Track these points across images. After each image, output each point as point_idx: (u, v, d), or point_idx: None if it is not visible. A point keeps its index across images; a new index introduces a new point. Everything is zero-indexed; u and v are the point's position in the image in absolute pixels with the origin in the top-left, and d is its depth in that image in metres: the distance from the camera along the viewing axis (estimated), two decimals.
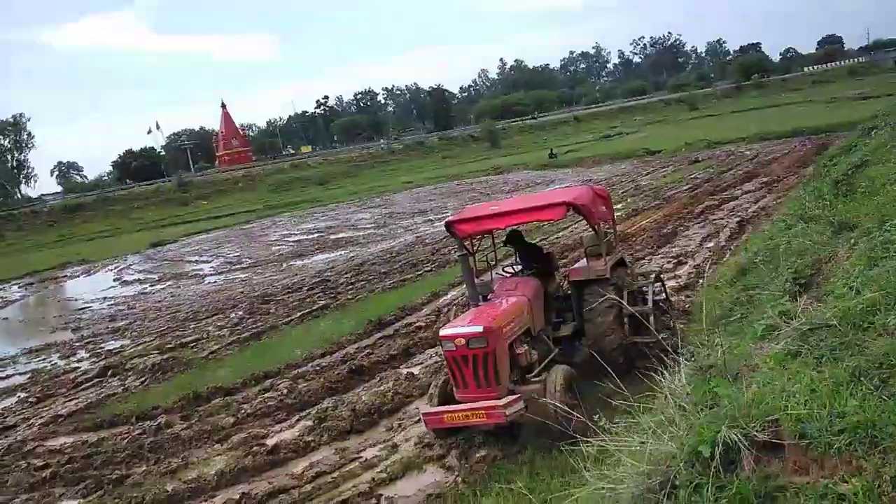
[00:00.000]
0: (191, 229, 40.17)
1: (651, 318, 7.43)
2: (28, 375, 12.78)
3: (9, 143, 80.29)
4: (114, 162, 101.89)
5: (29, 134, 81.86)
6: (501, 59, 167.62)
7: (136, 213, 55.27)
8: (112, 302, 19.90)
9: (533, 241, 9.96)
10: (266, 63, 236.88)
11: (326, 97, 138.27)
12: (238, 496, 6.68)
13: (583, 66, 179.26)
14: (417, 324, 11.68)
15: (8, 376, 13.09)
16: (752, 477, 2.80)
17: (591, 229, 8.18)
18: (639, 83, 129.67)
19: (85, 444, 8.60)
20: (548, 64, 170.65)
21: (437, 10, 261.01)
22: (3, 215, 57.61)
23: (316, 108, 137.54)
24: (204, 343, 12.93)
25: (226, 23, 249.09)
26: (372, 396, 8.67)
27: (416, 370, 9.45)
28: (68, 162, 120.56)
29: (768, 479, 2.77)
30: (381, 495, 6.36)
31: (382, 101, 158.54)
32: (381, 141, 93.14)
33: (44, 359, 14.04)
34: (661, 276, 9.21)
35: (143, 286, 21.94)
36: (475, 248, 8.24)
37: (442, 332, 6.65)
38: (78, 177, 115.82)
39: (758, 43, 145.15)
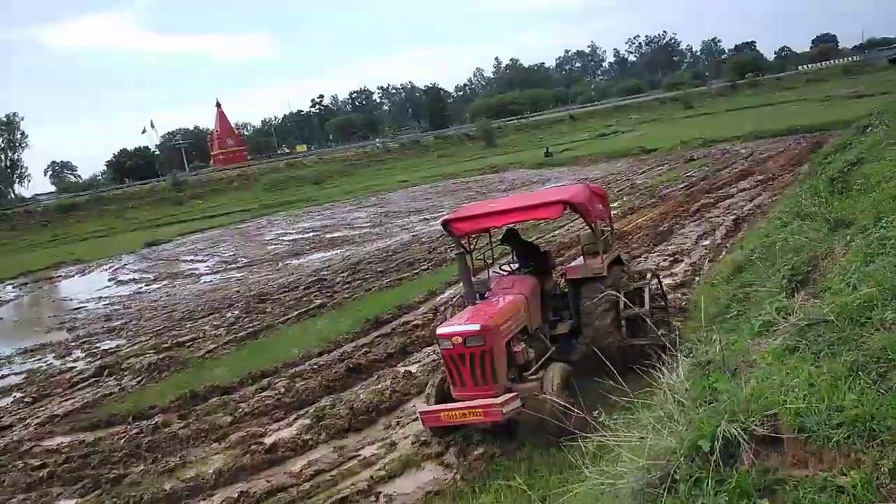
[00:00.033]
0: (186, 229, 40.04)
1: (648, 321, 7.43)
2: (23, 375, 12.73)
3: (2, 142, 79.76)
4: (108, 161, 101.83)
5: (22, 133, 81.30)
6: (497, 58, 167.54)
7: (131, 212, 55.02)
8: (107, 301, 19.84)
9: (530, 240, 9.97)
10: (261, 62, 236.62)
11: (321, 96, 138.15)
12: (237, 495, 6.68)
13: (578, 64, 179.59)
14: (414, 322, 11.69)
15: (3, 376, 13.04)
16: (752, 470, 2.83)
17: (587, 227, 8.20)
18: (634, 82, 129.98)
19: (82, 444, 8.58)
20: (543, 63, 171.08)
21: (433, 10, 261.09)
22: None
23: (311, 107, 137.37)
24: (200, 342, 12.91)
25: (221, 22, 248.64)
26: (370, 395, 8.67)
27: (413, 368, 9.46)
28: (62, 161, 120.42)
29: (768, 472, 2.80)
30: (380, 493, 6.37)
31: (378, 100, 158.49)
32: (377, 140, 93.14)
33: (39, 359, 13.99)
34: (658, 273, 9.23)
35: (139, 286, 21.86)
36: (472, 247, 8.26)
37: (439, 331, 6.66)
38: (72, 176, 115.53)
39: (752, 42, 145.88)
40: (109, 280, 24.68)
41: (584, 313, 7.57)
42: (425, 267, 16.56)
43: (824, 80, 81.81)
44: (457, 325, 6.57)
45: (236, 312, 14.99)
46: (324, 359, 10.55)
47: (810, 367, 3.21)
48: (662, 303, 8.47)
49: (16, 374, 13.03)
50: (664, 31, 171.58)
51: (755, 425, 2.93)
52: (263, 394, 9.41)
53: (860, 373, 2.98)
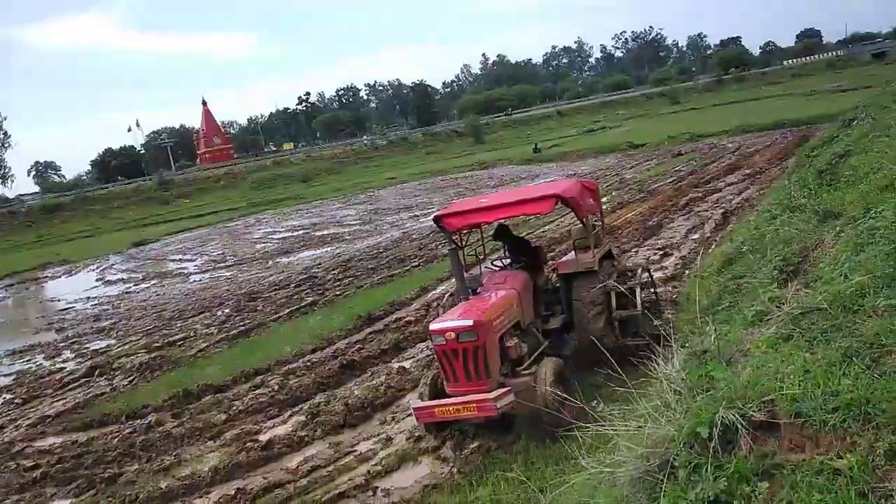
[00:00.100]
0: (173, 228, 39.79)
1: (640, 319, 7.46)
2: (13, 377, 12.63)
3: None
4: (93, 161, 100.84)
5: (5, 133, 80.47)
6: (484, 55, 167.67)
7: (116, 212, 54.55)
8: (96, 302, 19.69)
9: (521, 235, 10.01)
10: (247, 60, 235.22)
11: (308, 93, 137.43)
12: (233, 492, 6.67)
13: (565, 60, 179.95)
14: (407, 318, 11.70)
15: None
16: (750, 455, 2.87)
17: (579, 222, 8.24)
18: (621, 77, 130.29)
19: (75, 444, 8.54)
20: (530, 59, 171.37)
21: (420, 8, 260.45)
22: None
23: (298, 104, 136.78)
24: (192, 341, 12.86)
25: (206, 21, 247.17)
26: (364, 391, 8.68)
27: (407, 364, 9.48)
28: (45, 161, 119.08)
29: (765, 457, 2.84)
30: (378, 488, 6.39)
31: (365, 97, 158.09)
32: (365, 137, 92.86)
33: (28, 360, 13.89)
34: (648, 268, 9.27)
35: (127, 286, 21.72)
36: (464, 242, 8.27)
37: (432, 327, 6.68)
38: (56, 176, 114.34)
39: (738, 37, 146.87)
40: (97, 280, 24.49)
41: (577, 316, 7.59)
42: (416, 264, 16.57)
43: (809, 74, 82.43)
44: (449, 321, 6.59)
45: (227, 311, 14.94)
46: (317, 356, 10.54)
47: (805, 353, 3.26)
48: (654, 296, 8.53)
49: (4, 375, 12.92)
50: (650, 27, 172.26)
51: (752, 411, 2.97)
52: (257, 391, 9.39)
53: (854, 358, 3.03)
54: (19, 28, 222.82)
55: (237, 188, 59.62)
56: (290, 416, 8.45)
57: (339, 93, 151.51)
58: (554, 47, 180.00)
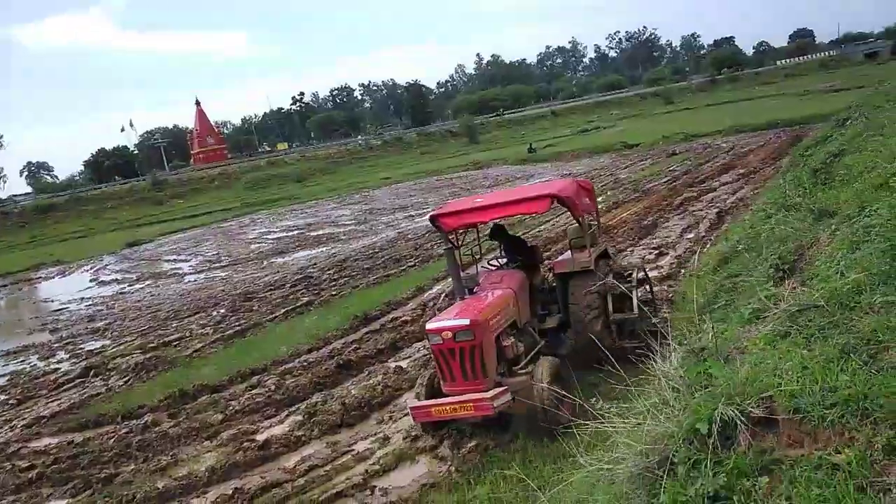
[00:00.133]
0: (167, 228, 39.68)
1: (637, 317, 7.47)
2: (7, 378, 12.56)
3: None
4: (86, 161, 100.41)
5: None
6: (478, 55, 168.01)
7: (110, 212, 54.36)
8: (90, 302, 19.61)
9: (517, 235, 10.02)
10: (240, 60, 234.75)
11: (302, 94, 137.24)
12: (231, 491, 6.66)
13: (559, 60, 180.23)
14: (403, 318, 11.70)
15: None
16: (749, 451, 2.90)
17: (575, 222, 8.26)
18: (615, 77, 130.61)
19: (70, 445, 8.50)
20: (524, 59, 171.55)
21: (414, 8, 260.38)
22: None
23: (292, 104, 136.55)
24: (187, 341, 12.82)
25: (199, 20, 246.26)
26: (361, 390, 8.68)
27: (404, 363, 9.48)
28: (38, 162, 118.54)
29: (764, 452, 2.87)
30: (376, 487, 6.39)
31: (359, 98, 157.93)
32: (359, 137, 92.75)
33: (22, 360, 13.82)
34: (644, 267, 9.29)
35: (122, 286, 21.64)
36: (460, 242, 8.29)
37: (428, 326, 6.68)
38: (48, 177, 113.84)
39: (731, 37, 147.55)
40: (91, 281, 24.39)
41: (574, 319, 7.61)
42: (412, 263, 16.56)
43: (802, 74, 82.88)
44: (446, 321, 6.59)
45: (222, 311, 14.90)
46: (313, 356, 10.53)
47: (803, 350, 3.28)
48: (650, 295, 8.56)
49: None
50: (644, 27, 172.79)
51: (751, 407, 2.99)
52: (254, 391, 9.38)
53: (852, 354, 3.06)
54: (13, 28, 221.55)
55: (231, 188, 59.49)
56: (287, 415, 8.44)
57: (334, 93, 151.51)
58: (548, 47, 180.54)
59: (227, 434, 8.10)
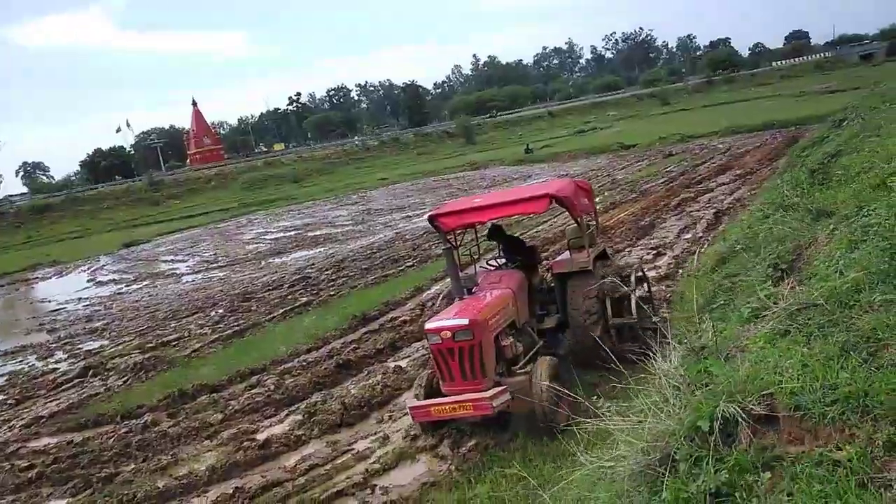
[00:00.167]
0: (164, 229, 39.60)
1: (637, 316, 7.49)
2: (5, 378, 12.54)
3: None
4: (82, 161, 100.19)
5: None
6: (475, 56, 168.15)
7: (106, 213, 54.20)
8: (88, 303, 19.58)
9: (515, 235, 10.05)
10: (237, 61, 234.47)
11: (299, 94, 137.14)
12: (231, 490, 6.66)
13: (556, 61, 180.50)
14: (402, 318, 11.72)
15: None
16: (750, 448, 2.93)
17: (573, 222, 8.29)
18: (611, 78, 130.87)
19: (70, 444, 8.50)
20: (521, 60, 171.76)
21: (411, 9, 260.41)
22: None
23: (288, 105, 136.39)
24: (186, 341, 12.81)
25: (199, 20, 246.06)
26: (361, 390, 8.69)
27: (403, 363, 9.49)
28: (34, 162, 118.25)
29: (766, 449, 2.90)
30: (376, 486, 6.40)
31: (356, 98, 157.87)
32: (356, 138, 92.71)
33: (20, 360, 13.80)
34: (643, 267, 9.32)
35: (119, 286, 21.60)
36: (458, 242, 8.31)
37: (427, 326, 6.70)
38: (44, 177, 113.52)
39: (727, 38, 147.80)
40: (88, 281, 24.35)
41: (573, 325, 7.63)
42: (410, 264, 16.58)
43: (798, 75, 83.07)
44: (445, 320, 6.61)
45: (221, 311, 14.90)
46: (312, 355, 10.53)
47: (803, 348, 3.32)
48: (648, 294, 8.59)
49: None
50: (640, 28, 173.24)
51: (752, 405, 3.03)
52: (253, 391, 9.38)
53: (852, 352, 3.09)
54: (7, 27, 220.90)
55: (228, 189, 59.39)
56: (287, 415, 8.44)
57: (330, 93, 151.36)
58: (545, 48, 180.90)
59: (227, 433, 8.10)
